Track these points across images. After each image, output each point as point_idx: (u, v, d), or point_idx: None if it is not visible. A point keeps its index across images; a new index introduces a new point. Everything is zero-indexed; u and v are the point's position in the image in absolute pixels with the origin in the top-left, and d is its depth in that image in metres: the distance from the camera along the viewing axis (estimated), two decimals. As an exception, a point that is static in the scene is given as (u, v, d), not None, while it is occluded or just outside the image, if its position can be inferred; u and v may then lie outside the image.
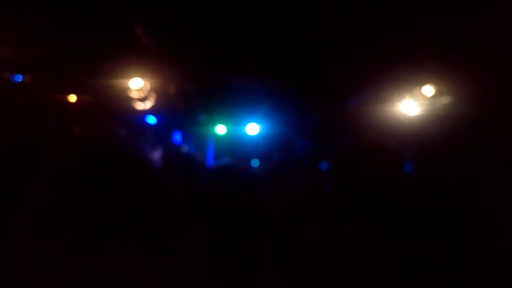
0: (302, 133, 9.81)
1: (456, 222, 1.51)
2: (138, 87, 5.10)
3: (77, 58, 4.73)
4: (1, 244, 1.39)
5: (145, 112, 6.66)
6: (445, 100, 4.65)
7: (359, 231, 1.38)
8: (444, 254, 1.34)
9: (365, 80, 4.80)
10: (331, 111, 6.88)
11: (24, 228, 1.48)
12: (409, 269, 1.31)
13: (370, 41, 3.83)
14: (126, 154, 3.25)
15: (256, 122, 9.22)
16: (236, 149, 7.10)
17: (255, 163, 4.99)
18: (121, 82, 5.09)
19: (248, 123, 9.30)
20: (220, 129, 9.66)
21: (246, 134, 9.52)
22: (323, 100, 6.32)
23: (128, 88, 5.14)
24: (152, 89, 5.19)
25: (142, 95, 5.14)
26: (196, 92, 6.22)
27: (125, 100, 5.49)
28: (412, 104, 4.79)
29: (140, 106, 5.23)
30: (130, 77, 5.03)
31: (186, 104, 6.66)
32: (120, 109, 6.84)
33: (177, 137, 9.92)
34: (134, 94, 5.16)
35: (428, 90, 4.61)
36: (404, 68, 4.50)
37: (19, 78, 5.37)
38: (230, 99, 6.76)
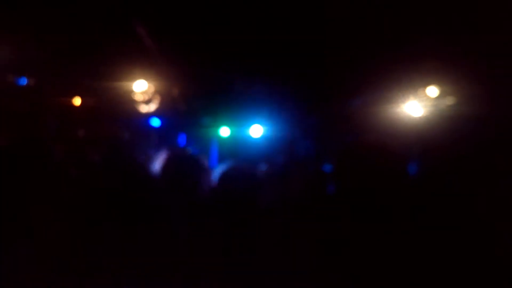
0: (306, 134, 9.80)
1: (460, 224, 1.51)
2: (142, 89, 5.10)
3: (81, 60, 4.74)
4: (1, 244, 1.39)
5: (149, 115, 6.67)
6: (449, 101, 4.63)
7: (362, 231, 1.37)
8: (447, 255, 1.33)
9: (369, 81, 4.79)
10: (335, 112, 6.86)
11: (25, 230, 1.49)
12: (412, 270, 1.30)
13: (374, 41, 3.82)
14: (130, 156, 3.25)
15: (260, 124, 9.22)
16: (240, 151, 7.10)
17: (259, 164, 4.98)
18: (125, 84, 5.09)
19: (252, 125, 9.31)
20: (224, 131, 9.67)
21: (250, 136, 9.52)
22: (327, 101, 6.31)
23: (132, 91, 5.15)
24: (156, 92, 5.19)
25: (146, 97, 5.15)
26: (200, 94, 6.22)
27: (129, 103, 5.50)
28: (416, 105, 4.77)
29: (144, 108, 5.24)
30: (134, 80, 5.03)
31: (190, 106, 6.67)
32: (124, 111, 6.86)
33: (181, 139, 9.95)
34: (138, 97, 5.16)
35: (433, 91, 4.59)
36: (408, 69, 4.48)
37: (23, 80, 5.39)
38: (233, 101, 6.76)
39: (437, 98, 4.65)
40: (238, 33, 3.77)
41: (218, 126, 9.38)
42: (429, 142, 3.17)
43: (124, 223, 1.68)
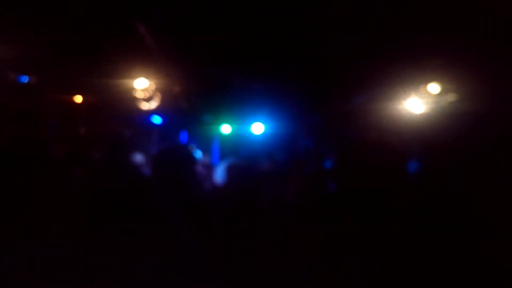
0: (307, 132, 9.80)
1: (460, 221, 1.50)
2: (143, 87, 5.11)
3: (82, 58, 4.74)
4: (2, 243, 1.39)
5: (151, 112, 6.67)
6: (451, 98, 4.62)
7: (362, 230, 1.37)
8: (448, 253, 1.33)
9: (371, 78, 4.79)
10: (336, 109, 6.86)
11: (26, 229, 1.48)
12: (412, 269, 1.30)
13: (375, 39, 3.82)
14: (132, 153, 3.26)
15: (261, 121, 9.22)
16: (241, 148, 7.11)
17: (260, 162, 4.98)
18: (126, 82, 5.10)
19: (253, 122, 9.31)
20: (225, 129, 9.67)
21: (251, 134, 9.52)
22: (328, 99, 6.30)
23: (133, 88, 5.16)
24: (157, 89, 5.20)
25: (148, 95, 5.15)
26: (201, 92, 6.23)
27: (130, 101, 5.51)
28: (418, 102, 4.77)
29: (145, 106, 5.24)
30: (135, 77, 5.04)
31: (191, 104, 6.67)
32: (125, 109, 6.86)
33: (183, 136, 9.96)
34: (139, 94, 5.17)
35: (434, 87, 4.59)
36: (409, 66, 4.48)
37: (24, 78, 5.40)
38: (235, 99, 6.77)
39: (439, 95, 4.65)
40: (239, 32, 3.77)
41: (220, 124, 9.39)
42: (430, 139, 3.16)
43: (124, 222, 1.68)
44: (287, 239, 1.61)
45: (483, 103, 4.44)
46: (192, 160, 2.04)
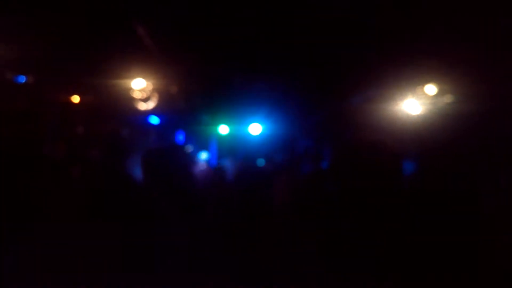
0: (305, 133, 9.81)
1: (458, 220, 1.52)
2: (140, 87, 5.11)
3: (80, 58, 4.74)
4: (2, 242, 1.38)
5: (148, 112, 6.67)
6: (447, 99, 4.64)
7: (360, 229, 1.38)
8: (445, 252, 1.35)
9: (368, 79, 4.80)
10: (334, 110, 6.87)
11: (25, 227, 1.48)
12: (409, 267, 1.31)
13: (372, 40, 3.83)
14: (129, 154, 3.25)
15: (259, 122, 9.23)
16: (238, 149, 7.12)
17: (258, 162, 4.99)
18: (123, 82, 5.10)
19: (250, 123, 9.31)
20: (223, 129, 9.68)
21: (249, 134, 9.53)
22: (326, 99, 6.31)
23: (130, 89, 5.16)
24: (155, 89, 5.20)
25: (145, 95, 5.15)
26: (199, 92, 6.23)
27: (128, 101, 5.50)
28: (415, 103, 4.79)
29: (143, 106, 5.24)
30: (132, 78, 5.03)
31: (188, 104, 6.67)
32: (123, 109, 6.85)
33: (180, 137, 9.95)
34: (136, 95, 5.17)
35: (431, 89, 4.61)
36: (406, 67, 4.49)
37: (21, 78, 5.39)
38: (232, 99, 6.77)
39: (436, 96, 4.67)
40: (237, 32, 3.78)
41: (217, 124, 9.39)
42: (427, 140, 3.18)
43: (122, 220, 1.69)
44: (287, 238, 1.61)
45: (480, 104, 4.46)
46: (186, 160, 2.05)
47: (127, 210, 1.80)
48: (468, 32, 3.56)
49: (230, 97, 6.59)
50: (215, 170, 5.02)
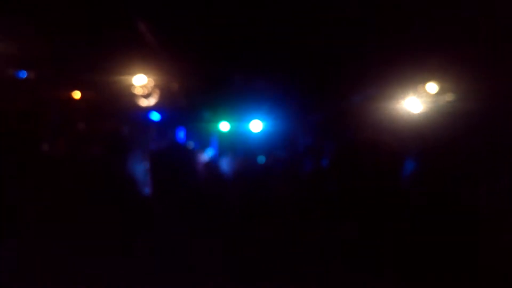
0: (305, 130, 9.81)
1: (459, 220, 1.52)
2: (142, 83, 5.12)
3: (81, 55, 4.75)
4: (2, 241, 1.37)
5: (149, 109, 6.67)
6: (448, 97, 4.64)
7: (360, 227, 1.39)
8: (445, 252, 1.35)
9: (369, 77, 4.80)
10: (335, 108, 6.86)
11: (26, 225, 1.48)
12: (409, 267, 1.32)
13: (373, 38, 3.84)
14: (130, 150, 3.26)
15: (260, 119, 9.23)
16: (239, 145, 7.12)
17: (259, 159, 5.00)
18: (125, 79, 5.11)
19: (251, 120, 9.31)
20: (224, 126, 9.68)
21: (250, 131, 9.53)
22: (327, 97, 6.31)
23: (132, 85, 5.16)
24: (156, 86, 5.20)
25: (146, 92, 5.16)
26: (200, 89, 6.23)
27: (129, 97, 5.51)
28: (416, 101, 4.79)
29: (144, 102, 5.25)
30: (134, 74, 5.04)
31: (189, 101, 6.67)
32: (124, 106, 6.86)
33: (181, 133, 9.95)
34: (138, 91, 5.18)
35: (432, 87, 4.61)
36: (407, 65, 4.49)
37: (22, 74, 5.40)
38: (233, 96, 6.77)
39: (437, 94, 4.67)
40: (238, 29, 3.78)
41: (218, 121, 9.39)
42: (428, 139, 3.18)
43: (124, 219, 1.68)
44: (287, 238, 1.61)
45: (481, 102, 4.46)
46: (192, 158, 2.05)
47: (128, 209, 1.80)
48: (469, 29, 3.55)
49: (231, 94, 6.59)
50: (213, 167, 5.03)
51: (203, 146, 8.96)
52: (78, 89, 6.53)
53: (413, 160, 2.74)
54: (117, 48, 4.40)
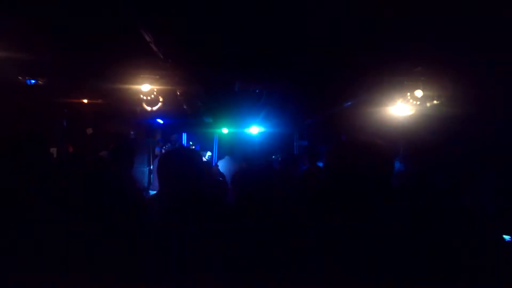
0: (301, 133, 9.97)
1: (448, 220, 1.50)
2: (147, 90, 5.22)
3: (87, 63, 4.84)
4: (2, 240, 1.44)
5: (154, 115, 6.75)
6: (434, 102, 4.79)
7: (352, 229, 1.43)
8: (437, 252, 1.38)
9: (360, 84, 4.93)
10: (328, 112, 6.98)
11: (26, 226, 1.50)
12: (402, 268, 1.36)
13: (364, 46, 3.93)
14: (135, 156, 3.34)
15: (258, 123, 9.41)
16: (238, 148, 7.29)
17: (256, 161, 5.15)
18: (131, 86, 5.20)
19: (250, 124, 9.49)
20: (224, 130, 9.85)
21: (249, 135, 9.70)
22: (321, 102, 6.37)
23: (138, 92, 5.27)
24: (160, 93, 5.32)
25: (151, 99, 5.27)
26: (202, 95, 6.34)
27: (135, 103, 5.60)
28: (404, 106, 4.93)
29: (148, 109, 5.37)
30: (140, 82, 5.15)
31: (192, 107, 6.77)
32: (129, 112, 6.96)
33: (184, 137, 10.16)
34: (143, 98, 5.29)
35: (419, 93, 4.77)
36: (396, 72, 4.64)
37: (32, 80, 5.44)
38: (234, 101, 6.90)
39: (424, 99, 4.81)
40: (237, 38, 3.90)
41: (220, 126, 9.58)
42: (415, 141, 3.24)
43: (130, 221, 1.72)
44: (284, 237, 1.64)
45: (467, 107, 4.61)
46: (201, 161, 2.05)
47: (129, 211, 1.83)
48: (455, 37, 3.66)
49: (231, 99, 6.72)
50: (214, 169, 5.19)
51: (205, 148, 9.17)
52: (85, 95, 6.64)
53: (401, 161, 2.86)
54: (124, 56, 4.47)
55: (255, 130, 9.46)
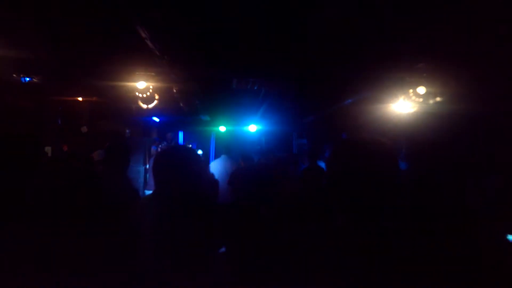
0: (300, 132, 9.93)
1: (450, 220, 1.49)
2: (143, 88, 5.18)
3: (83, 60, 4.80)
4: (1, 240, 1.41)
5: (150, 113, 6.71)
6: (437, 99, 4.75)
7: (354, 228, 1.39)
8: (438, 252, 1.34)
9: (361, 81, 4.89)
10: (328, 110, 6.95)
11: (24, 226, 1.47)
12: (400, 268, 1.32)
13: (365, 42, 3.90)
14: (131, 153, 3.30)
15: (256, 121, 9.36)
16: (236, 146, 7.22)
17: (255, 160, 5.08)
18: (127, 83, 5.17)
19: (248, 122, 9.44)
20: (222, 129, 9.80)
21: (246, 132, 9.65)
22: (321, 99, 6.36)
23: (133, 89, 5.23)
24: (156, 90, 5.28)
25: (147, 96, 5.23)
26: (199, 92, 6.30)
27: (130, 101, 5.57)
28: (407, 103, 4.90)
29: (144, 107, 5.33)
30: (135, 79, 5.10)
31: (188, 105, 6.73)
32: (125, 109, 6.92)
33: (180, 136, 10.08)
34: (139, 95, 5.25)
35: (421, 90, 4.73)
36: (398, 69, 4.59)
37: (27, 79, 5.42)
38: (231, 99, 6.85)
39: (426, 96, 4.77)
40: (235, 36, 3.86)
41: (217, 124, 9.52)
42: (418, 139, 3.24)
43: (125, 221, 1.68)
44: (283, 238, 1.61)
45: (469, 104, 4.58)
46: (198, 160, 2.01)
47: (126, 210, 1.79)
48: (457, 35, 3.64)
49: (229, 97, 6.67)
50: (212, 167, 5.11)
51: (202, 147, 9.10)
52: (81, 93, 6.59)
53: (404, 160, 2.83)
54: (120, 53, 4.44)
55: (253, 128, 9.38)
